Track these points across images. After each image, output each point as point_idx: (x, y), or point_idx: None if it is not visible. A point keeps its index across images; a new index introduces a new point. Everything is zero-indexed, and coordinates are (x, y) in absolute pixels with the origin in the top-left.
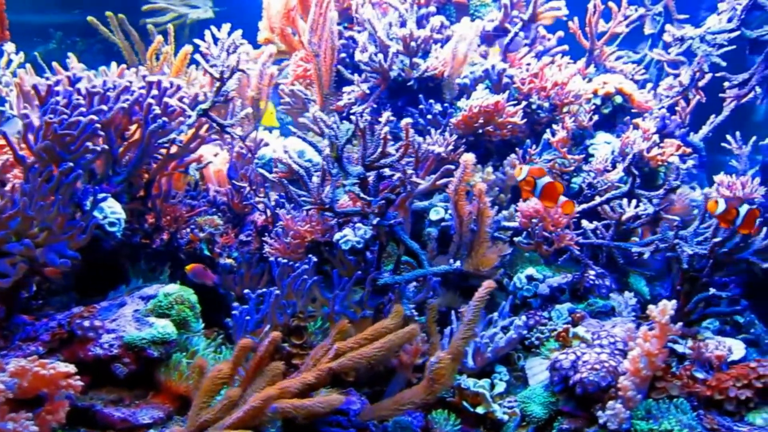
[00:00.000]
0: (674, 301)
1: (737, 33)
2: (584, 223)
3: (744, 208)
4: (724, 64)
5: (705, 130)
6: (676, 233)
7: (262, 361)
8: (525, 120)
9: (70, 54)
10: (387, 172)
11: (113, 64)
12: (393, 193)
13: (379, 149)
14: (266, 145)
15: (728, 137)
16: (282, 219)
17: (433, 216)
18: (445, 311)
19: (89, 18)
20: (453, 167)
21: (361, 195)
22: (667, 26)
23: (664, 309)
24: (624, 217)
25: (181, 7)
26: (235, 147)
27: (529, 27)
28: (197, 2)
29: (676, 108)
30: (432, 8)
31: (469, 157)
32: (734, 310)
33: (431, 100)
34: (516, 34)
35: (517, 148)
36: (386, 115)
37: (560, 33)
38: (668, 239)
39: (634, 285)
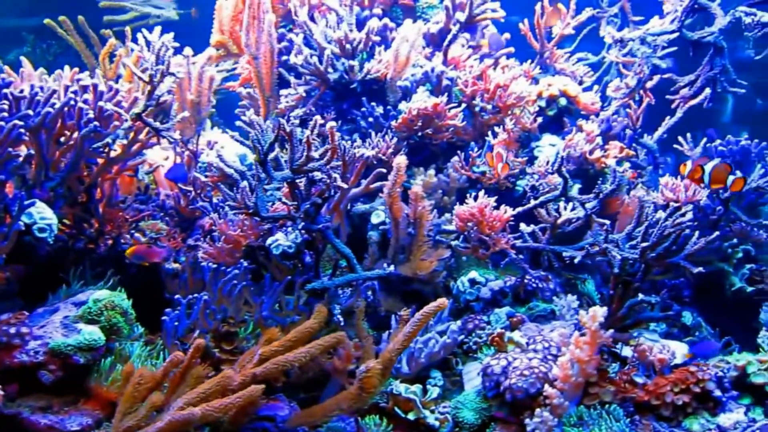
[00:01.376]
0: (605, 308)
1: (677, 34)
2: (522, 226)
3: (709, 165)
4: (664, 65)
5: (660, 131)
6: (606, 237)
7: (187, 369)
8: (465, 122)
9: (22, 58)
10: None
11: (66, 67)
12: (320, 197)
13: (305, 153)
14: (219, 147)
15: (680, 138)
16: (216, 223)
17: (374, 219)
18: (384, 316)
19: (46, 21)
20: (386, 171)
21: (284, 199)
22: (608, 28)
23: (594, 315)
24: (559, 221)
25: (144, 7)
26: (180, 150)
27: (475, 29)
28: (160, 3)
29: (628, 110)
30: (378, 10)
31: (401, 160)
32: (667, 316)
33: (373, 103)
34: (455, 36)
35: (459, 151)
36: (316, 119)
37: (507, 35)
38: (599, 243)
39: (583, 287)
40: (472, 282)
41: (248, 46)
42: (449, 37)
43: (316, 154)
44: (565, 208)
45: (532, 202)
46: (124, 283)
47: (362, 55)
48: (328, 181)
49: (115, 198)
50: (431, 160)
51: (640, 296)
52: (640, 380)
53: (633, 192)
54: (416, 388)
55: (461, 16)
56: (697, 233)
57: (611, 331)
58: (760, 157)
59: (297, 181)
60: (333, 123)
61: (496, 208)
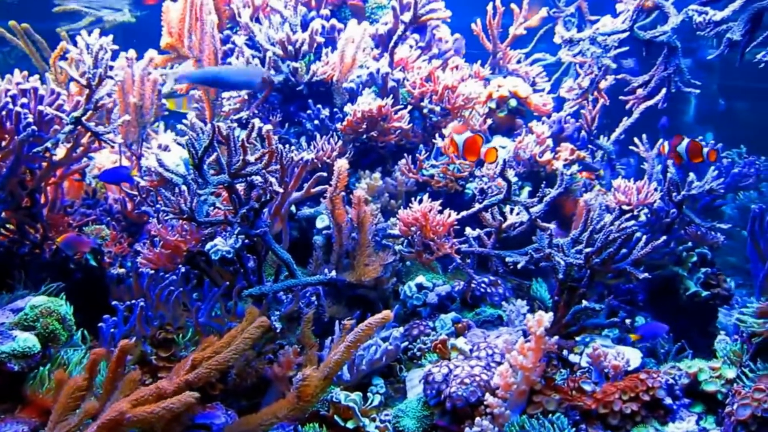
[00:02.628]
0: (551, 313)
1: (627, 34)
2: (468, 230)
3: (684, 143)
4: (614, 66)
5: (617, 132)
6: (550, 242)
7: (116, 374)
8: (411, 124)
9: None
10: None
11: (16, 71)
12: (258, 201)
13: (240, 157)
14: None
15: (636, 140)
16: (155, 228)
17: (319, 224)
18: (328, 321)
19: None
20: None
21: (217, 204)
22: (557, 28)
23: (540, 320)
24: (504, 225)
25: (100, 11)
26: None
27: (424, 30)
28: (117, 5)
29: (582, 111)
30: (326, 11)
31: (342, 164)
32: (613, 323)
33: (319, 105)
34: (401, 37)
35: (406, 153)
36: (254, 122)
37: (457, 35)
38: (543, 248)
39: (536, 292)
40: (420, 287)
41: (191, 49)
42: (394, 38)
43: (252, 158)
44: (511, 212)
45: (476, 206)
46: (69, 288)
47: (309, 57)
48: (263, 185)
49: (62, 202)
50: (379, 163)
51: (584, 303)
52: (588, 387)
53: (587, 194)
54: (356, 395)
55: (406, 17)
56: (644, 237)
57: (556, 337)
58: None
59: (237, 185)
60: (269, 126)
61: (441, 212)
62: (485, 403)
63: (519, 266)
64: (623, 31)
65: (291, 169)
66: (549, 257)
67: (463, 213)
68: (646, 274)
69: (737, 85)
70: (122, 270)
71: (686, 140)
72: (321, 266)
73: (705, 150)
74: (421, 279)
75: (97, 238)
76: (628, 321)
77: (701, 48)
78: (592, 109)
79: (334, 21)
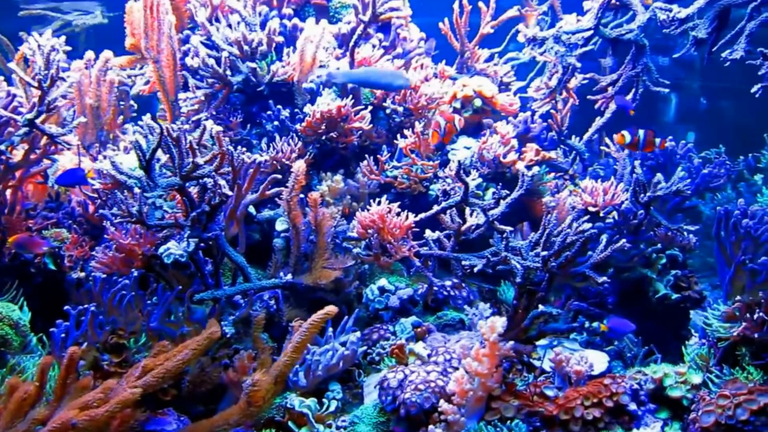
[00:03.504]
0: (504, 318)
1: (590, 32)
2: (427, 233)
3: (641, 132)
4: (578, 65)
5: (590, 132)
6: (506, 245)
7: (66, 380)
8: (372, 125)
9: None
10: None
11: None
12: (209, 204)
13: (190, 159)
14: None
15: (607, 140)
16: (109, 231)
17: (279, 226)
18: (286, 325)
19: None
20: (280, 176)
21: (164, 207)
22: (520, 26)
23: (492, 326)
24: (463, 228)
25: (70, 14)
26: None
27: (388, 29)
28: (88, 8)
29: (552, 111)
30: (288, 10)
31: (300, 165)
32: (571, 328)
33: (279, 106)
34: (360, 36)
35: (366, 155)
36: (208, 123)
37: (422, 34)
38: (500, 251)
39: (502, 294)
40: (382, 290)
41: (148, 50)
42: (354, 37)
43: (201, 161)
44: (471, 214)
45: (435, 208)
46: (29, 293)
47: (271, 57)
48: (212, 188)
49: (23, 206)
50: (342, 165)
51: (541, 307)
52: (551, 393)
53: (559, 195)
54: (311, 401)
55: (364, 16)
56: (604, 240)
57: (511, 343)
58: (685, 159)
59: (190, 188)
60: (219, 128)
61: (399, 214)
62: (439, 409)
63: (475, 270)
64: (588, 30)
65: (244, 172)
66: (506, 261)
67: (422, 215)
68: (605, 278)
69: (719, 85)
70: (83, 274)
71: (642, 131)
72: (280, 269)
73: (657, 140)
74: (383, 282)
75: (56, 241)
76: (595, 324)
77: (680, 46)
78: (562, 109)
79: (296, 20)
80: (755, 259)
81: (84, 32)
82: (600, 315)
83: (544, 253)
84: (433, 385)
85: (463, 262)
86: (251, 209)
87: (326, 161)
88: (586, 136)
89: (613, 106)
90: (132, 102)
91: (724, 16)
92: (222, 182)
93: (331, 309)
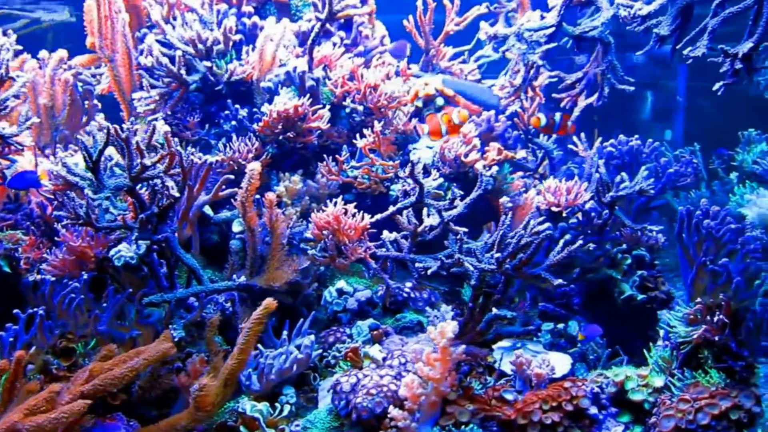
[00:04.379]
0: (455, 322)
1: (553, 29)
2: (385, 234)
3: (557, 115)
4: (541, 63)
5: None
6: (460, 247)
7: (13, 385)
8: (329, 125)
9: None
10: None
11: None
12: (159, 206)
13: (139, 161)
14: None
15: (575, 138)
16: (61, 233)
17: (236, 227)
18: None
19: None
20: (233, 177)
21: (110, 209)
22: (481, 23)
23: (442, 330)
24: (419, 229)
25: (36, 12)
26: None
27: (350, 27)
28: (54, 6)
29: (518, 110)
30: (249, 8)
31: (254, 166)
32: (527, 331)
33: (237, 105)
34: (318, 34)
35: (325, 155)
36: (159, 124)
37: (384, 32)
38: (455, 253)
39: (467, 296)
40: (340, 292)
41: (102, 49)
42: (312, 35)
43: (148, 162)
44: (428, 215)
45: (391, 209)
46: None
47: (230, 55)
48: (159, 189)
49: None
50: (302, 165)
51: (494, 311)
52: (510, 397)
53: (526, 194)
54: (263, 406)
55: (321, 14)
56: (561, 242)
57: (463, 347)
58: (651, 158)
59: (141, 189)
60: (167, 128)
61: (354, 215)
62: (390, 415)
63: (429, 272)
64: (550, 27)
65: (195, 173)
66: (460, 263)
67: (378, 216)
68: (560, 280)
69: (695, 83)
70: (39, 276)
71: (558, 114)
72: (236, 271)
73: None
74: (342, 284)
75: (10, 243)
76: (561, 325)
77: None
78: (529, 108)
79: (255, 18)
80: (717, 261)
81: (51, 31)
82: (566, 316)
83: (498, 254)
84: (385, 389)
85: (417, 264)
86: (208, 210)
87: (286, 161)
88: (554, 135)
89: (582, 104)
90: (96, 101)
91: (687, 13)
92: (170, 183)
93: (270, 304)
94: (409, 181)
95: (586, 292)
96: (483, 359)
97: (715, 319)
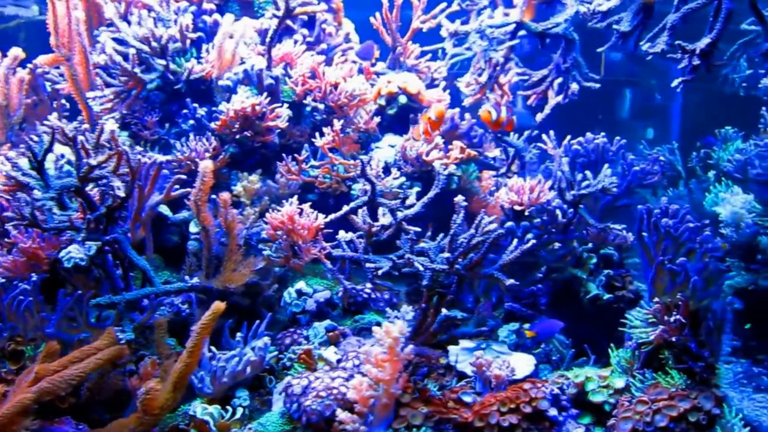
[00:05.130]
0: (403, 321)
1: (514, 26)
2: (341, 234)
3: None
4: (502, 60)
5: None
6: (411, 247)
7: None
8: (288, 123)
9: None
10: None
11: None
12: (105, 206)
13: (86, 160)
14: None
15: (543, 136)
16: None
17: (193, 228)
18: None
19: None
20: (185, 177)
21: (54, 210)
22: (443, 21)
23: (388, 330)
24: (373, 229)
25: (8, 7)
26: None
27: (313, 24)
28: (27, 2)
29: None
30: (210, 5)
31: (206, 165)
32: (480, 332)
33: (195, 104)
34: (276, 32)
35: (285, 154)
36: (109, 123)
37: (348, 30)
38: (406, 253)
39: None
40: (299, 293)
41: (59, 47)
42: (270, 33)
43: (94, 161)
44: (384, 215)
45: (344, 209)
46: None
47: (191, 53)
48: (106, 190)
49: None
50: (263, 164)
51: (444, 312)
52: (469, 399)
53: (497, 194)
54: (214, 409)
55: (278, 12)
56: (515, 241)
57: (411, 347)
58: (618, 156)
59: (93, 189)
60: (114, 127)
61: (309, 215)
62: (338, 418)
63: (380, 272)
64: (512, 24)
65: (145, 172)
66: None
67: (332, 216)
68: (512, 280)
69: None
70: None
71: (504, 108)
72: (194, 272)
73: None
74: (301, 285)
75: None
76: (527, 326)
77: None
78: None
79: (216, 16)
80: (675, 260)
81: (23, 29)
82: (532, 316)
83: (447, 255)
84: (335, 392)
85: (367, 264)
86: (166, 211)
87: (247, 161)
88: (525, 133)
89: (553, 102)
90: (64, 101)
91: (648, 9)
92: (117, 183)
93: (218, 307)
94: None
95: (553, 291)
96: (436, 361)
97: (672, 319)
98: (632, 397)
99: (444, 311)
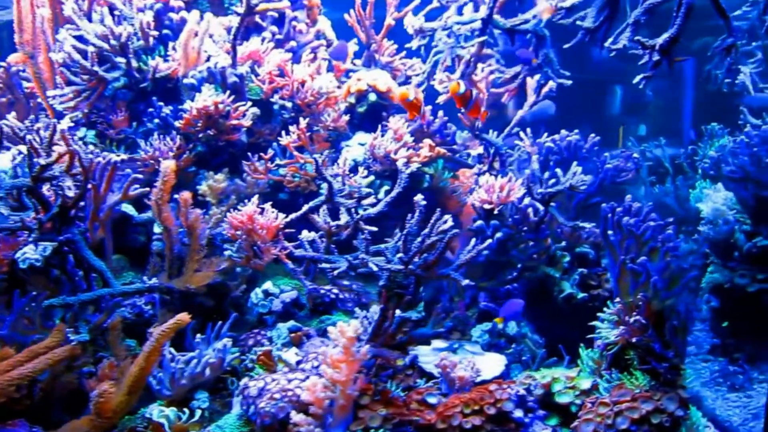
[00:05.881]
0: (356, 322)
1: (478, 23)
2: (304, 233)
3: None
4: (468, 56)
5: (511, 125)
6: (366, 246)
7: None
8: (257, 122)
9: None
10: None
11: None
12: (58, 206)
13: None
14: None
15: (521, 133)
16: None
17: (157, 228)
18: None
19: None
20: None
21: (2, 210)
22: (408, 17)
23: (342, 330)
24: (334, 229)
25: None
26: None
27: (283, 21)
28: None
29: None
30: (179, 2)
31: (168, 164)
32: (437, 333)
33: (161, 103)
34: (239, 29)
35: (250, 153)
36: (65, 122)
37: (320, 26)
38: (361, 253)
39: None
40: (266, 293)
41: (23, 45)
42: (233, 30)
43: (43, 161)
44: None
45: (304, 208)
46: None
47: (159, 51)
48: (58, 191)
49: None
50: (231, 163)
51: (398, 312)
52: (434, 400)
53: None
54: (170, 411)
55: (240, 8)
56: (473, 241)
57: (367, 347)
58: (591, 154)
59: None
60: (64, 125)
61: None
62: (292, 420)
63: (336, 273)
64: (479, 20)
65: (100, 172)
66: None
67: (292, 215)
68: (467, 281)
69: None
70: None
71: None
72: (158, 273)
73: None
74: (268, 285)
75: None
76: (500, 326)
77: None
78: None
79: (184, 13)
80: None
81: (5, 29)
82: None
83: (401, 255)
84: (290, 393)
85: (322, 264)
86: (131, 210)
87: (214, 159)
88: (507, 130)
89: (531, 100)
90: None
91: (614, 4)
92: (69, 183)
93: (183, 317)
94: (339, 178)
95: (527, 291)
96: (394, 362)
97: (632, 320)
98: (596, 399)
99: (398, 312)
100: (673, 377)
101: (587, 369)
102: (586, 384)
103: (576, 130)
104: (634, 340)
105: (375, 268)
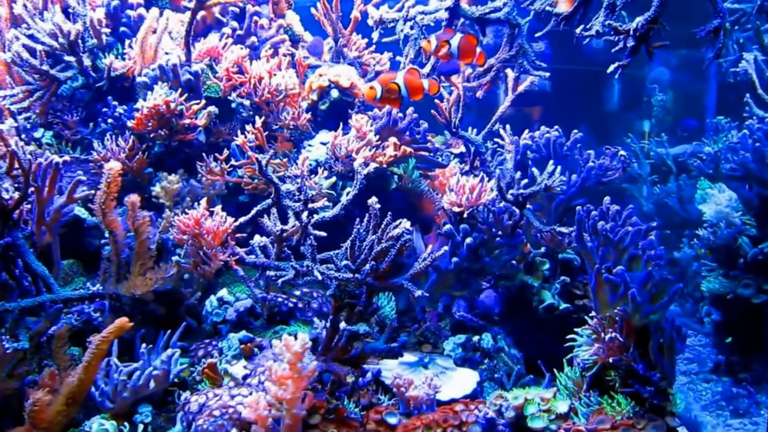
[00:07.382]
0: (305, 335)
1: (442, 12)
2: (256, 238)
3: (456, 38)
4: (430, 51)
5: (492, 121)
6: (312, 253)
7: None
8: (216, 121)
9: None
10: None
11: None
12: (2, 209)
13: None
14: None
15: (501, 131)
16: None
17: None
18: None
19: None
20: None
21: None
22: (369, 8)
23: (287, 344)
24: (285, 234)
25: None
26: None
27: (243, 16)
28: None
29: (438, 102)
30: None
31: (113, 165)
32: (390, 348)
33: (115, 102)
34: (192, 24)
35: (213, 153)
36: (7, 124)
37: (281, 21)
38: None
39: (379, 302)
40: (221, 301)
41: None
42: (185, 26)
43: None
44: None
45: (252, 212)
46: None
47: (116, 49)
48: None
49: None
50: (187, 164)
51: (342, 325)
52: (393, 420)
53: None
54: (110, 425)
55: (190, 4)
56: (429, 248)
57: (315, 363)
58: (573, 151)
59: None
60: (6, 126)
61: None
62: None
63: (280, 281)
64: (447, 9)
65: (42, 174)
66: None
67: (241, 219)
68: (421, 291)
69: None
70: None
71: (459, 35)
72: (108, 278)
73: (478, 49)
74: (223, 293)
75: None
76: (476, 338)
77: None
78: (449, 98)
79: (142, 11)
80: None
81: None
82: (483, 327)
83: (346, 262)
84: (231, 411)
85: (269, 272)
86: (83, 213)
87: (171, 160)
88: (487, 126)
89: (511, 95)
90: None
91: None
92: (6, 185)
93: (123, 322)
94: (299, 180)
95: (505, 300)
96: (344, 378)
97: (607, 337)
98: (572, 425)
99: (343, 325)
100: (660, 402)
101: (565, 390)
102: (562, 407)
103: (556, 126)
104: (611, 360)
105: (319, 276)
